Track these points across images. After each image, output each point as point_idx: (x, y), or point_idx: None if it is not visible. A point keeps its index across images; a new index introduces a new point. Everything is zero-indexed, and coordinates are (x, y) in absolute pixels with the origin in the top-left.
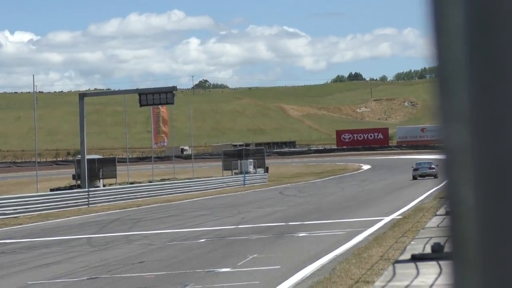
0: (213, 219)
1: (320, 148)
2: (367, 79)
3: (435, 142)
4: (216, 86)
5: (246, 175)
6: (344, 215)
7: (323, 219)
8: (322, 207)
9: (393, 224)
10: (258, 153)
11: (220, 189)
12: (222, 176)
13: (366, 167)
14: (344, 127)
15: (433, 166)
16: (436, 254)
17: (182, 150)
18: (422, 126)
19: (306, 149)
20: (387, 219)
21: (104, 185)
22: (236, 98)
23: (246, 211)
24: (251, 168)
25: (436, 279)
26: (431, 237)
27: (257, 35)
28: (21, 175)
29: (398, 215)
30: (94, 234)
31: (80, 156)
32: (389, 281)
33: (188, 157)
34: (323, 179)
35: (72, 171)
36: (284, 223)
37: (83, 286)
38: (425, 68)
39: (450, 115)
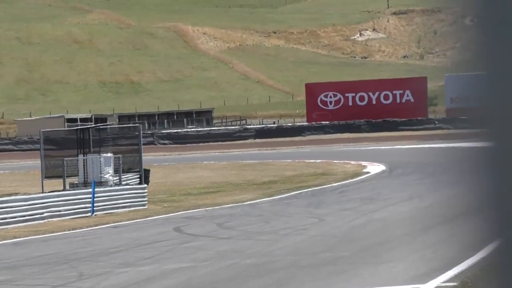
0: None
1: (270, 125)
2: None
3: None
4: None
5: (97, 189)
6: (326, 282)
7: None
8: (273, 263)
9: None
10: (127, 138)
11: (38, 222)
12: (42, 192)
13: (375, 168)
14: (325, 77)
15: None
16: None
17: None
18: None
19: (237, 128)
20: None
21: None
22: (73, 10)
23: (98, 273)
24: (108, 174)
25: None
26: None
27: None
28: None
29: (447, 280)
30: None
31: None
32: None
33: None
34: (275, 197)
35: None
36: None
37: None
38: None
39: None
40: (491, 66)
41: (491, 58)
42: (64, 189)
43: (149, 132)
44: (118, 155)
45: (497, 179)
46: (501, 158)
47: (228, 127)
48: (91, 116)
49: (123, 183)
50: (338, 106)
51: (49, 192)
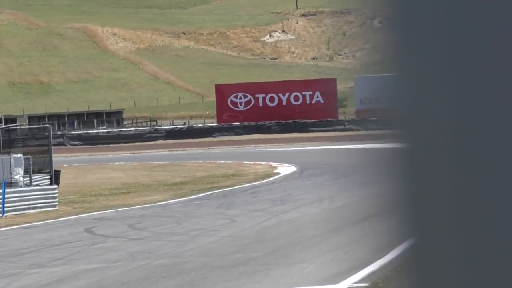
0: None
1: (180, 126)
2: None
3: None
4: None
5: (7, 190)
6: (238, 283)
7: None
8: (185, 263)
9: None
10: (37, 139)
11: None
12: None
13: (285, 169)
14: (235, 78)
15: None
16: None
17: None
18: None
19: (148, 129)
20: None
21: None
22: None
23: (9, 274)
24: (19, 175)
25: None
26: None
27: None
28: None
29: (359, 280)
30: None
31: None
32: None
33: None
34: (186, 198)
35: None
36: None
37: None
38: None
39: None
40: (399, 67)
41: (400, 59)
42: None
43: (59, 133)
44: (28, 156)
45: (408, 180)
46: (411, 159)
47: (139, 128)
48: (1, 117)
49: (34, 184)
50: (248, 107)
51: None
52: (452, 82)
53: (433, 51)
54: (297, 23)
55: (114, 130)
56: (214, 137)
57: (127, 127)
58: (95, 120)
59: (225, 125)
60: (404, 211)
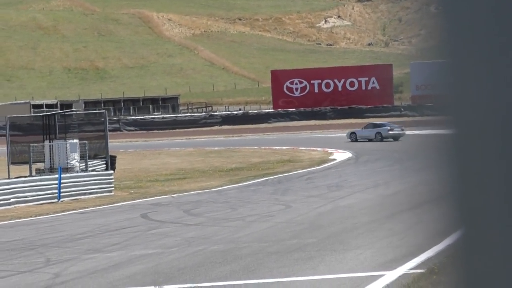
0: None
1: (236, 112)
2: None
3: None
4: None
5: (63, 175)
6: (293, 269)
7: (241, 277)
8: (240, 249)
9: None
10: (92, 124)
11: (5, 207)
12: (8, 178)
13: (341, 155)
14: (291, 64)
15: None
16: None
17: None
18: None
19: (203, 115)
20: (391, 276)
21: None
22: None
23: (65, 259)
24: (75, 161)
25: None
26: None
27: None
28: None
29: (415, 266)
30: None
31: None
32: None
33: None
34: (242, 183)
35: None
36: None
37: None
38: None
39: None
40: (455, 53)
41: (455, 45)
42: (30, 175)
43: (115, 118)
44: (84, 141)
45: (460, 167)
46: (464, 146)
47: (194, 114)
48: (57, 102)
49: (90, 169)
50: (304, 93)
51: (15, 178)
52: (504, 69)
53: (486, 38)
54: (352, 8)
55: (169, 115)
56: (270, 123)
57: (182, 113)
58: (150, 105)
59: (281, 111)
60: (455, 198)
